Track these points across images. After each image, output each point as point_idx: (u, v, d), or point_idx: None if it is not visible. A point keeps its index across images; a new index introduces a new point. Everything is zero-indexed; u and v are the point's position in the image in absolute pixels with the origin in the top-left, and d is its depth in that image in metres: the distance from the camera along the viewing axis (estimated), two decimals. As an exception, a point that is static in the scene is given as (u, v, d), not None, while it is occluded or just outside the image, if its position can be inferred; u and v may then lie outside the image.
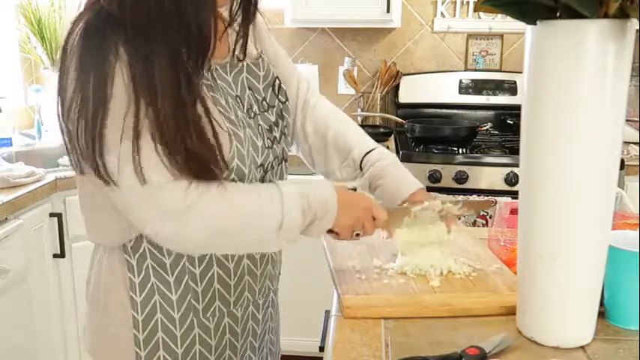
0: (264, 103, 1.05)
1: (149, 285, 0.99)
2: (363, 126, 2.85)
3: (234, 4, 1.01)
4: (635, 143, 2.39)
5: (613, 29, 0.77)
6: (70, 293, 2.19)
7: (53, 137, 2.58)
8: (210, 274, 1.01)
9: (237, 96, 1.01)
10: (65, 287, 2.18)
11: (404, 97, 2.86)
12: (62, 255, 2.13)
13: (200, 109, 0.89)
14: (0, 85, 2.66)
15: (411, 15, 2.88)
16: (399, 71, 2.89)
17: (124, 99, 0.85)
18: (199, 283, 1.00)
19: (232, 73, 1.02)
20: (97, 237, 1.04)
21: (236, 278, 1.03)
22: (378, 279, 1.08)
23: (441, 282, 1.06)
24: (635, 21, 0.77)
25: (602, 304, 0.92)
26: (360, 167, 1.17)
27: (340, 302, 1.00)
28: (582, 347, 0.88)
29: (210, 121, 0.90)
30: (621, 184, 2.18)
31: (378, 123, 2.89)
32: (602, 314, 0.93)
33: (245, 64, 1.04)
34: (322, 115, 1.20)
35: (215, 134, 0.90)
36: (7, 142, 2.46)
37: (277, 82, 1.09)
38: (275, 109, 1.07)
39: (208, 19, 0.89)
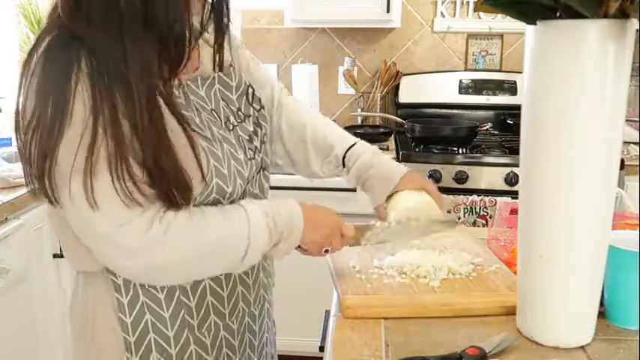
0: (239, 113, 1.02)
1: (139, 304, 0.94)
2: (362, 126, 2.87)
3: (204, 14, 0.96)
4: (635, 143, 2.39)
5: (613, 29, 0.77)
6: (70, 293, 2.19)
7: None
8: (201, 286, 0.97)
9: (212, 110, 0.98)
10: (65, 287, 2.18)
11: (404, 97, 2.85)
12: (62, 255, 2.12)
13: (175, 125, 0.86)
14: (0, 85, 2.66)
15: (410, 15, 2.88)
16: (399, 71, 2.89)
17: (81, 122, 0.81)
18: (192, 298, 0.96)
19: (204, 87, 0.98)
20: (77, 262, 0.99)
21: (229, 289, 1.00)
22: (378, 279, 1.08)
23: (441, 282, 1.06)
24: (635, 21, 0.77)
25: (602, 304, 0.92)
26: (343, 163, 1.17)
27: (340, 302, 1.00)
28: (582, 347, 0.88)
29: (185, 131, 0.87)
30: (621, 184, 2.18)
31: (378, 123, 2.89)
32: (602, 314, 0.93)
33: (216, 75, 1.01)
34: (296, 113, 1.20)
35: (195, 149, 0.87)
36: (7, 142, 2.45)
37: (250, 90, 1.06)
38: (251, 118, 1.04)
39: (182, 20, 0.86)
